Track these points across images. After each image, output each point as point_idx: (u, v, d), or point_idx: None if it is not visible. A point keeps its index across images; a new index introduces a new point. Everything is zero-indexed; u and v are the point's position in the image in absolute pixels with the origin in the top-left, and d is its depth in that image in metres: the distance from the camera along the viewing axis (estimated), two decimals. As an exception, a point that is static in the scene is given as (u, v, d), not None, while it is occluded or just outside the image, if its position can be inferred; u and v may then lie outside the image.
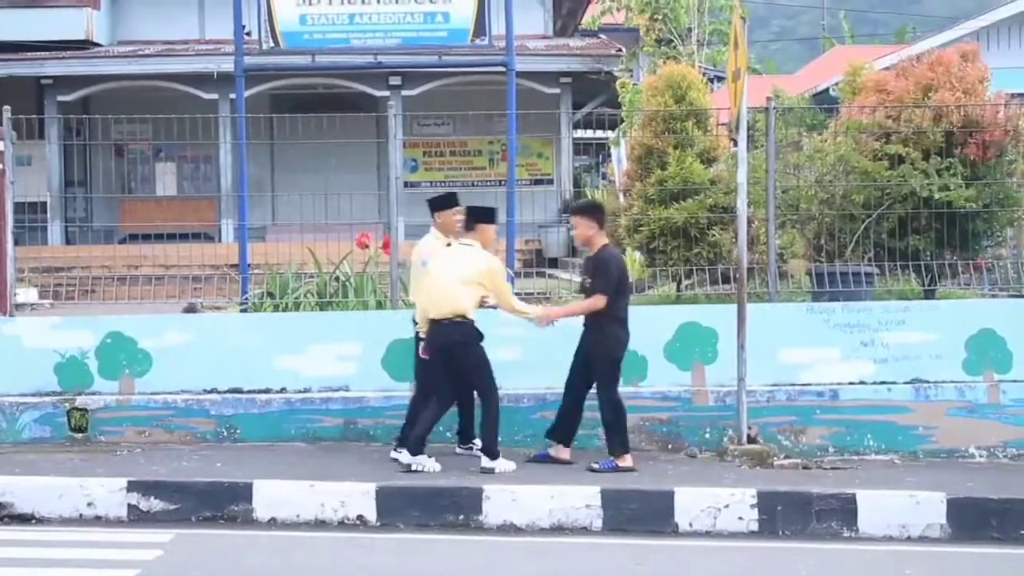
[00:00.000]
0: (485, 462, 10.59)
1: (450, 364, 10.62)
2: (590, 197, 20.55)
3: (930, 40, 24.87)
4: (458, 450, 11.22)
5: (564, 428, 11.04)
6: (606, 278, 10.69)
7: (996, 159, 13.18)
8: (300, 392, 11.91)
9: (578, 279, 16.09)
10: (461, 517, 9.79)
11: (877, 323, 11.86)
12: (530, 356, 11.32)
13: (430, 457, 10.59)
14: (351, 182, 16.68)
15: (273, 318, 12.79)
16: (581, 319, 10.89)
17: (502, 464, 10.58)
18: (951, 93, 13.13)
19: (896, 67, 14.57)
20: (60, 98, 26.38)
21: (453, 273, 10.67)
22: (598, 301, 10.67)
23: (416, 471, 10.42)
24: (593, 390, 10.91)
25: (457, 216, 11.18)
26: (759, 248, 13.21)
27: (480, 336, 10.65)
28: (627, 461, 10.67)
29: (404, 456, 10.62)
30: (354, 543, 9.32)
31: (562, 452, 10.99)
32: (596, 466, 10.63)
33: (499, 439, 10.68)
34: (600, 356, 10.75)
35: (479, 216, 11.11)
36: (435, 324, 10.64)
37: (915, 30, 33.01)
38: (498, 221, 11.34)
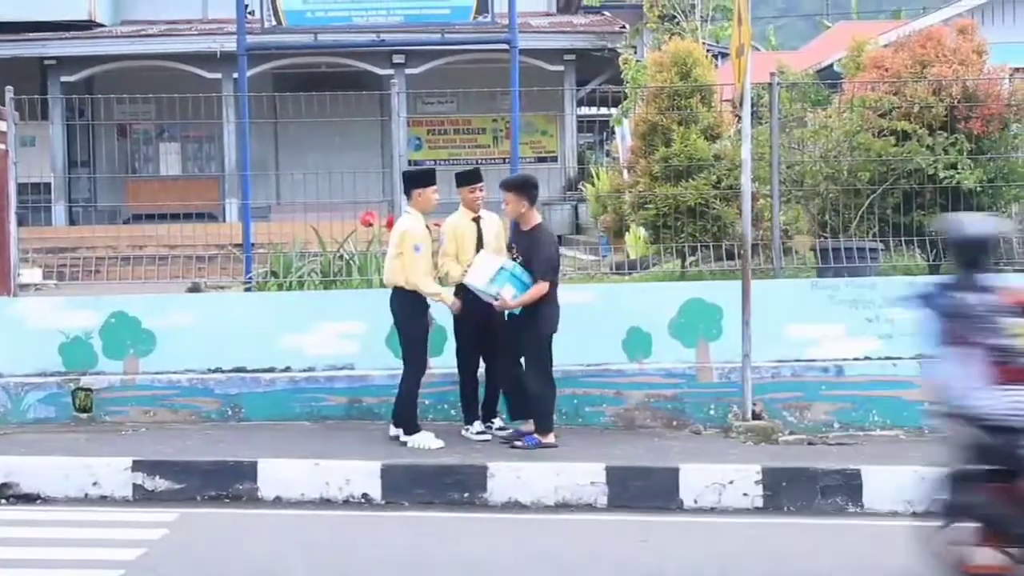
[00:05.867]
0: (397, 431, 10.81)
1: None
2: (595, 173, 20.55)
3: (931, 16, 24.78)
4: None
5: (509, 403, 11.11)
6: (544, 262, 10.57)
7: (1000, 133, 13.15)
8: (304, 371, 11.91)
9: (583, 256, 16.09)
10: (466, 495, 9.80)
11: (882, 299, 11.83)
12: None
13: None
14: (355, 161, 16.66)
15: (277, 297, 12.80)
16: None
17: (419, 439, 10.64)
18: (947, 67, 13.10)
19: (894, 43, 14.54)
20: (64, 78, 26.36)
21: (390, 248, 10.98)
22: (542, 287, 10.50)
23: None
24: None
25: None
26: (764, 224, 13.19)
27: (415, 307, 10.75)
28: (550, 439, 10.64)
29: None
30: (359, 521, 9.34)
31: (525, 425, 10.95)
32: (519, 444, 10.61)
33: (415, 413, 10.83)
34: (532, 334, 10.64)
35: (410, 182, 11.07)
36: None
37: (924, 9, 32.84)
38: (434, 183, 11.03)
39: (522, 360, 10.76)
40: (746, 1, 11.26)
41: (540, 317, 10.59)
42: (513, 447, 10.56)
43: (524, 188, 10.86)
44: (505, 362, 10.85)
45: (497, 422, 11.15)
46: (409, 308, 10.77)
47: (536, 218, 10.86)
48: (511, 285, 10.51)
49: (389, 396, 11.28)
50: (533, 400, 10.72)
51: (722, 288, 11.96)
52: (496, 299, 10.50)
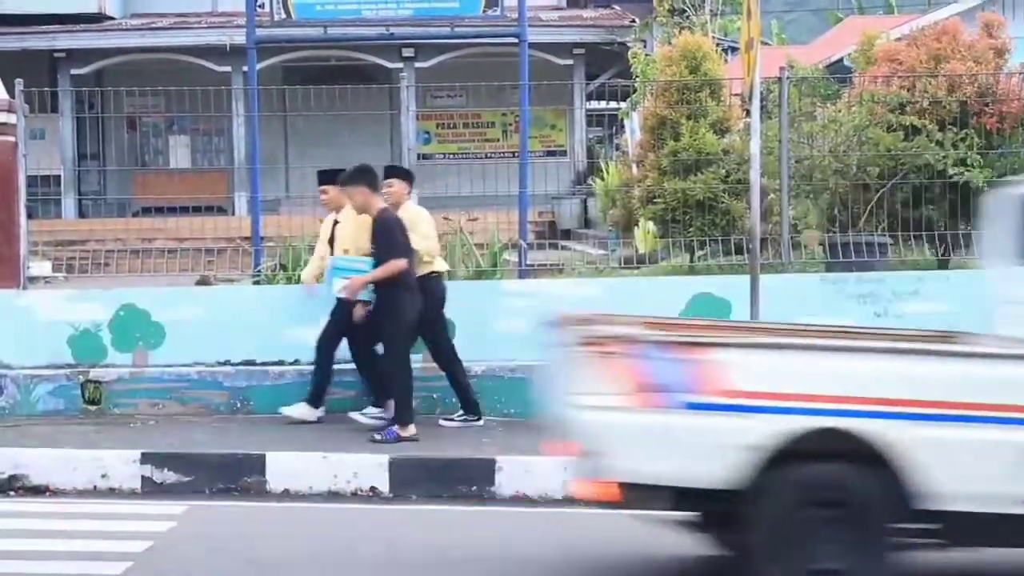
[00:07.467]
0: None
1: None
2: (604, 167, 20.54)
3: (944, 9, 24.70)
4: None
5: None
6: (392, 242, 10.51)
7: (1012, 131, 13.13)
8: (313, 364, 11.90)
9: (592, 251, 16.07)
10: (474, 488, 9.81)
11: (891, 293, 11.82)
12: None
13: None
14: (364, 154, 16.61)
15: (286, 290, 12.79)
16: None
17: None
18: (961, 63, 13.07)
19: (907, 37, 14.52)
20: (73, 71, 26.39)
21: None
22: (395, 265, 10.43)
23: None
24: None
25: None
26: (772, 219, 13.18)
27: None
28: (410, 431, 10.59)
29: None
30: (367, 514, 9.36)
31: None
32: (378, 437, 10.56)
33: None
34: (387, 322, 10.64)
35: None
36: None
37: (929, 2, 32.75)
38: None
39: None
40: (756, -5, 11.24)
41: (394, 305, 10.55)
42: (372, 441, 10.51)
43: (360, 177, 10.84)
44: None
45: (372, 410, 11.22)
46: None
47: (379, 203, 10.80)
48: (337, 279, 10.90)
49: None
50: (393, 391, 10.78)
51: (731, 282, 11.96)
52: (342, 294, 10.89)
